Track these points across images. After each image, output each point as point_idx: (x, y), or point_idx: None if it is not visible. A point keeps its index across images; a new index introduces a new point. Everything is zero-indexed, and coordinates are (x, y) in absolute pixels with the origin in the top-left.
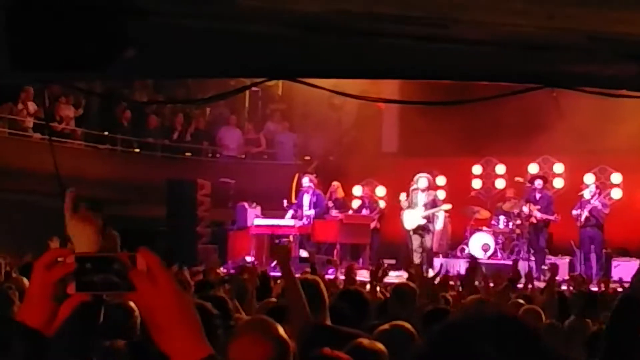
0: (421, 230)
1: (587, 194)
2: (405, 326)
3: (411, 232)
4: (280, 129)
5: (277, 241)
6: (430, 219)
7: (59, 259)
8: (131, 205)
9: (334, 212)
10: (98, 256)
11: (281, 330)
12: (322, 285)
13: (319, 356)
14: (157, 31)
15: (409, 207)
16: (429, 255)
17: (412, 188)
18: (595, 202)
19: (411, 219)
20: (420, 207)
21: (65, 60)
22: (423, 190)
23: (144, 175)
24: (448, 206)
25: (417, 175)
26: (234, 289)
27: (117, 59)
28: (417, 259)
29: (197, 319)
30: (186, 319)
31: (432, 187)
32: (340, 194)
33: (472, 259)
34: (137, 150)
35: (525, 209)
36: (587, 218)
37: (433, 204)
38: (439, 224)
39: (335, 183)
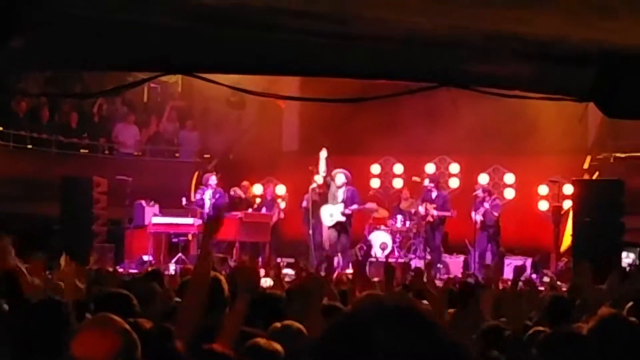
0: (339, 226)
1: (480, 193)
2: (295, 325)
3: (327, 227)
4: (179, 127)
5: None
6: (348, 216)
7: None
8: (24, 203)
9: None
10: None
11: (126, 324)
12: (224, 282)
13: (208, 352)
14: (48, 20)
15: (326, 202)
16: (345, 251)
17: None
18: (486, 205)
19: (330, 214)
20: (340, 204)
21: None
22: (340, 187)
23: (38, 172)
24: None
25: (335, 171)
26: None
27: (4, 48)
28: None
29: None
30: None
31: (350, 182)
32: (251, 193)
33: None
34: (30, 146)
35: (422, 208)
36: (482, 220)
37: (352, 199)
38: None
39: (246, 182)
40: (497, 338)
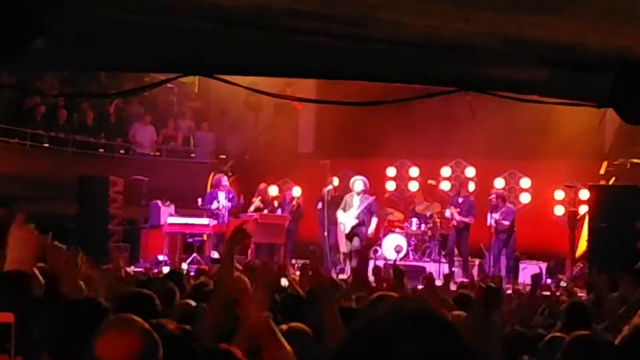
0: (353, 231)
1: (494, 198)
2: (301, 327)
3: (342, 233)
4: (195, 127)
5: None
6: (364, 222)
7: None
8: (40, 202)
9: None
10: None
11: (147, 325)
12: (247, 283)
13: (215, 351)
14: (69, 21)
15: (343, 209)
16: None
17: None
18: (495, 216)
19: (346, 221)
20: (355, 210)
21: None
22: (358, 194)
23: (54, 171)
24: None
25: (353, 179)
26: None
27: (26, 49)
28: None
29: None
30: None
31: (368, 190)
32: (270, 195)
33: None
34: (47, 145)
35: (448, 212)
36: (495, 225)
37: (369, 208)
38: (371, 229)
39: (263, 185)
40: (518, 343)
